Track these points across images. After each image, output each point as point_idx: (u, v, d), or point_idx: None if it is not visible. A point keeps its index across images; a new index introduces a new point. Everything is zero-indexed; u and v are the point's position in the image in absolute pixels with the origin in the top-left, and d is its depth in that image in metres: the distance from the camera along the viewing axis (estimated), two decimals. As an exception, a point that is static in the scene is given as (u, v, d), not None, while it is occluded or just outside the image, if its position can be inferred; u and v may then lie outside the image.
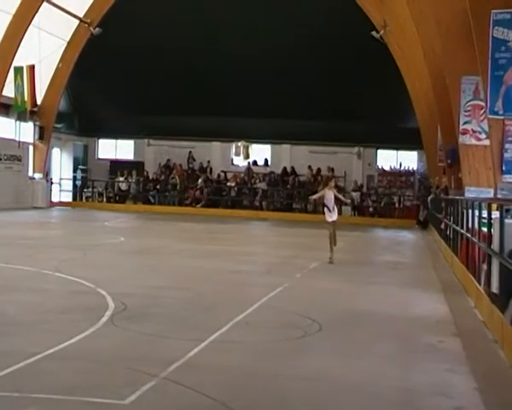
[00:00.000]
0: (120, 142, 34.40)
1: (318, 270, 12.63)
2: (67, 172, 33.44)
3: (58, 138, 32.09)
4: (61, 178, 33.05)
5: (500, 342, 6.82)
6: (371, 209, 30.72)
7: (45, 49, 28.32)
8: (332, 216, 13.86)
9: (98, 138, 34.50)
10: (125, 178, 32.78)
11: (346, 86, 28.93)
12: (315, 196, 14.81)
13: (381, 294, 10.22)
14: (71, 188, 33.33)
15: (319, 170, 31.22)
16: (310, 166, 31.61)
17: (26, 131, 29.39)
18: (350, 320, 8.03)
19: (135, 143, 34.06)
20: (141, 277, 10.75)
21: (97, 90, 31.88)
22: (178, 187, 32.19)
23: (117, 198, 32.83)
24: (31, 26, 26.82)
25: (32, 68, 27.50)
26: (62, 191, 33.02)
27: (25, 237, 16.36)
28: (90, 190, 33.13)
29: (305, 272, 12.14)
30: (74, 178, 33.35)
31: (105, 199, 32.93)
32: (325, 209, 13.97)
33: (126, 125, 32.56)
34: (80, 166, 33.69)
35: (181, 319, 7.67)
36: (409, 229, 26.24)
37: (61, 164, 33.33)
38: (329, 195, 13.87)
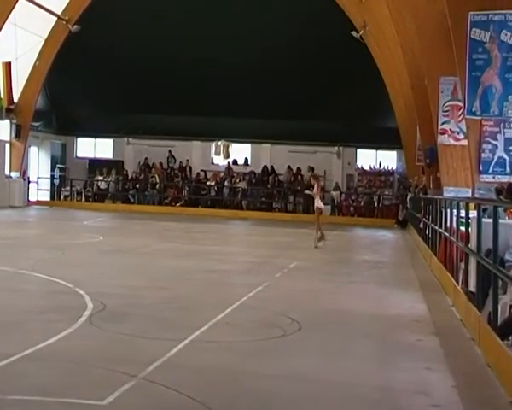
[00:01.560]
0: (99, 140, 34.19)
1: (298, 269, 12.66)
2: (45, 170, 33.15)
3: (36, 137, 31.81)
4: (38, 177, 32.75)
5: (477, 340, 6.90)
6: (351, 209, 30.86)
7: (22, 46, 28.04)
8: (318, 202, 16.88)
9: (77, 137, 34.24)
10: (104, 177, 32.59)
11: (326, 86, 29.09)
12: (308, 191, 18.19)
13: (360, 293, 10.28)
14: (49, 187, 33.04)
15: (299, 169, 31.31)
16: (289, 166, 31.69)
17: (2, 129, 29.09)
18: (330, 319, 8.06)
19: (114, 142, 33.87)
20: (120, 276, 10.71)
21: (76, 88, 31.64)
22: (158, 186, 32.08)
23: (96, 197, 32.62)
24: (7, 23, 26.53)
25: (8, 65, 27.21)
26: (40, 190, 32.73)
27: (1, 237, 16.19)
28: (69, 188, 32.86)
29: (285, 271, 12.17)
30: (52, 177, 33.06)
31: (83, 198, 32.69)
32: (315, 200, 17.04)
33: (105, 124, 32.35)
34: (58, 165, 33.40)
35: (160, 318, 7.65)
36: (388, 228, 26.42)
37: (39, 162, 33.03)
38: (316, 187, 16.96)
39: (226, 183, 31.87)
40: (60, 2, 29.20)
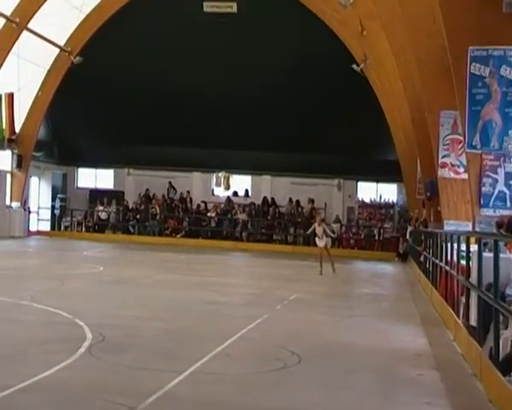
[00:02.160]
0: (100, 171, 34.28)
1: (298, 301, 12.64)
2: (46, 200, 33.19)
3: (37, 167, 31.93)
4: (39, 207, 32.78)
5: (479, 375, 6.88)
6: (351, 241, 30.84)
7: (25, 76, 28.32)
8: (321, 243, 19.35)
9: (78, 167, 34.33)
10: (105, 208, 32.65)
11: (327, 119, 29.27)
12: (309, 231, 21.39)
13: (360, 326, 10.27)
14: (49, 217, 33.05)
15: (298, 202, 31.38)
16: (290, 199, 31.73)
17: (3, 160, 29.23)
18: (330, 352, 8.04)
19: (115, 173, 33.99)
20: (120, 307, 10.70)
21: (77, 119, 31.86)
22: (158, 217, 32.14)
23: (96, 227, 32.60)
24: (10, 54, 26.83)
25: (10, 96, 27.43)
26: (40, 220, 32.74)
27: (1, 268, 16.18)
28: (69, 219, 32.87)
29: (285, 303, 12.15)
30: (53, 207, 33.09)
31: (84, 228, 32.69)
32: (316, 238, 19.62)
33: (106, 155, 32.47)
34: (59, 195, 33.46)
35: (160, 350, 7.64)
36: (388, 261, 26.39)
37: (40, 193, 33.08)
38: (319, 229, 19.46)
39: (227, 214, 31.92)
40: (62, 34, 29.55)
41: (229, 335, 8.52)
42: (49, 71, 29.96)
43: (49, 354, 6.99)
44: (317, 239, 19.54)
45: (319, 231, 19.46)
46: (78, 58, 29.72)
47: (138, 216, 32.22)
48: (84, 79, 29.23)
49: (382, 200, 31.97)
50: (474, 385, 6.75)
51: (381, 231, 30.55)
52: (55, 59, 29.95)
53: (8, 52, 26.77)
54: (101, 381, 6.17)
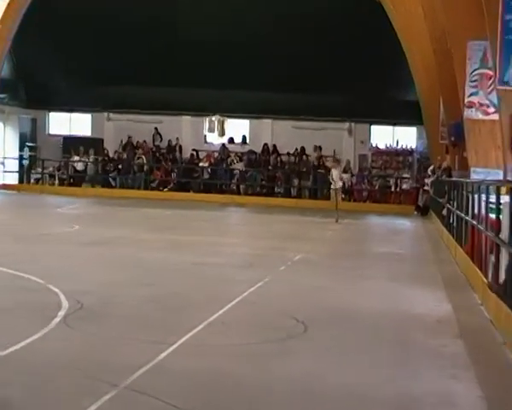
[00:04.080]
0: (75, 115, 34.09)
1: (304, 262, 12.68)
2: (13, 150, 33.08)
3: (1, 111, 31.73)
4: (4, 158, 32.71)
5: (509, 343, 6.91)
6: (364, 194, 30.86)
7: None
8: (336, 184, 22.19)
9: (49, 111, 34.15)
10: (81, 158, 32.53)
11: (336, 53, 28.92)
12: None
13: (374, 290, 10.31)
14: (17, 169, 33.00)
15: (303, 149, 31.24)
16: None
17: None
18: (340, 320, 8.08)
19: (92, 117, 33.78)
20: (99, 271, 10.71)
21: (48, 55, 31.51)
22: (145, 168, 32.06)
23: (71, 181, 32.59)
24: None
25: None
26: (6, 172, 32.70)
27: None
28: (40, 171, 32.84)
29: (289, 264, 12.19)
30: (21, 158, 33.02)
31: (57, 181, 32.67)
32: (331, 181, 22.46)
33: (83, 97, 32.20)
34: (28, 144, 33.34)
35: (146, 319, 7.66)
36: (407, 216, 26.44)
37: (5, 141, 32.95)
38: (335, 172, 22.31)
39: (221, 164, 31.85)
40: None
41: (225, 301, 8.53)
42: (9, 3, 29.40)
43: (20, 325, 7.01)
44: (332, 183, 22.24)
45: (335, 174, 22.09)
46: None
47: (120, 167, 32.14)
48: (56, 10, 28.81)
49: (399, 146, 31.88)
50: (504, 355, 6.79)
51: (398, 181, 30.53)
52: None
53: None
54: (79, 354, 6.19)
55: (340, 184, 22.74)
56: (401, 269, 12.78)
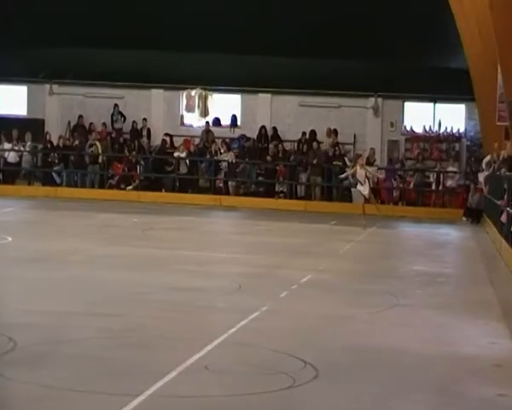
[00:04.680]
0: (5, 88, 34.17)
1: (314, 286, 12.71)
2: None
3: None
4: None
5: None
6: (395, 193, 30.89)
7: None
8: (364, 190, 22.48)
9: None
10: (14, 146, 32.53)
11: (356, 7, 28.99)
12: (345, 175, 25.03)
13: (409, 322, 10.33)
14: None
15: (313, 134, 31.14)
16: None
17: None
18: (360, 363, 8.10)
19: (29, 91, 33.81)
20: (39, 298, 10.70)
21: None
22: (101, 159, 32.04)
23: (1, 176, 32.62)
24: None
25: None
26: None
27: None
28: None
29: (293, 288, 12.22)
30: None
31: (-18, 177, 32.75)
32: (358, 184, 22.92)
33: (15, 62, 32.28)
34: None
35: (103, 362, 7.66)
36: (452, 223, 26.49)
37: None
38: (360, 172, 22.50)
39: (204, 154, 31.91)
40: None
41: (209, 338, 8.57)
42: None
43: None
44: (358, 186, 22.90)
45: (361, 175, 22.32)
46: None
47: (68, 158, 32.13)
48: None
49: (443, 129, 31.95)
50: None
51: (441, 176, 30.58)
52: None
53: None
54: (12, 410, 6.19)
55: (368, 188, 23.07)
56: (446, 294, 12.83)
